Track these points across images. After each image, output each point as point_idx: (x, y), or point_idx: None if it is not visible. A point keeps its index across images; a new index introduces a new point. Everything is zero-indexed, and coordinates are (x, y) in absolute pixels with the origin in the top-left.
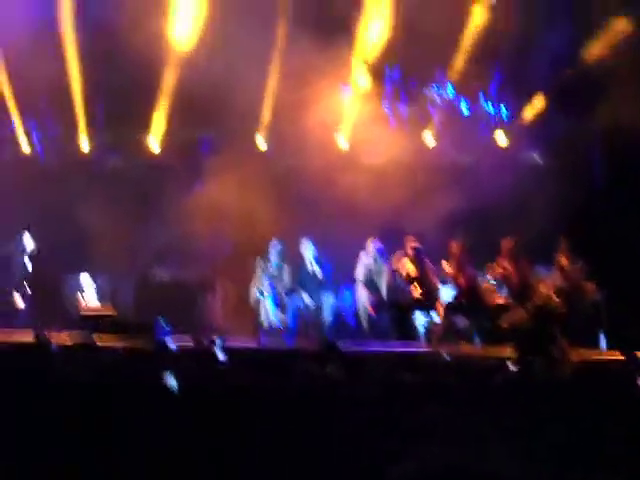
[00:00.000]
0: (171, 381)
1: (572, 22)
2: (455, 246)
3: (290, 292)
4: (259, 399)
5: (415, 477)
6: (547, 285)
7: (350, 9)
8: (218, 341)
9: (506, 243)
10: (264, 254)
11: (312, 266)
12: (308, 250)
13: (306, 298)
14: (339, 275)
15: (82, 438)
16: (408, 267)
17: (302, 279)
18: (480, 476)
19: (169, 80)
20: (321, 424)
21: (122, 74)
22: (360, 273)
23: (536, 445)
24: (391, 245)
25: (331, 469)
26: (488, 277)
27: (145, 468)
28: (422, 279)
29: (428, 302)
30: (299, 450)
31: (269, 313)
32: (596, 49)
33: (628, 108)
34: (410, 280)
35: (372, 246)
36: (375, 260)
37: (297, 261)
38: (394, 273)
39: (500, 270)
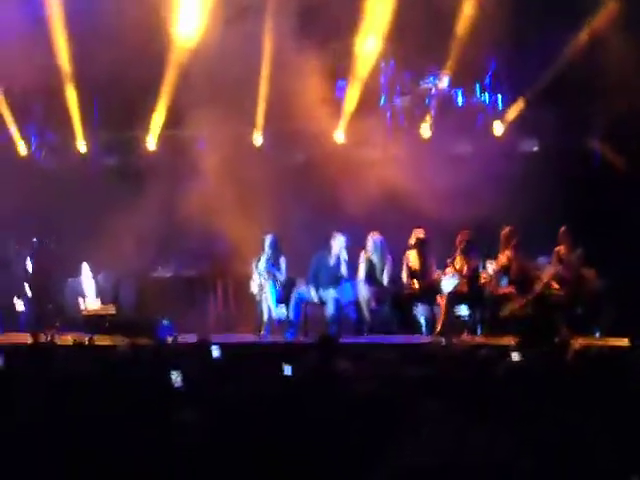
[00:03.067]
0: (175, 378)
1: (565, 12)
2: (461, 236)
3: (289, 285)
4: (260, 395)
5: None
6: (548, 274)
7: (346, 5)
8: (214, 341)
9: (504, 232)
10: (261, 249)
11: (339, 260)
12: (339, 244)
13: (311, 291)
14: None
15: (84, 437)
16: (411, 259)
17: (319, 271)
18: (483, 469)
19: (165, 78)
20: (323, 419)
21: (116, 72)
22: (362, 268)
23: (541, 435)
24: (390, 237)
25: (332, 464)
26: (489, 267)
27: (144, 466)
28: (424, 271)
29: (429, 294)
30: (299, 445)
31: (271, 307)
32: (587, 35)
33: (622, 94)
34: (412, 272)
35: (372, 239)
36: (377, 252)
37: (316, 253)
38: (396, 265)
39: (502, 260)
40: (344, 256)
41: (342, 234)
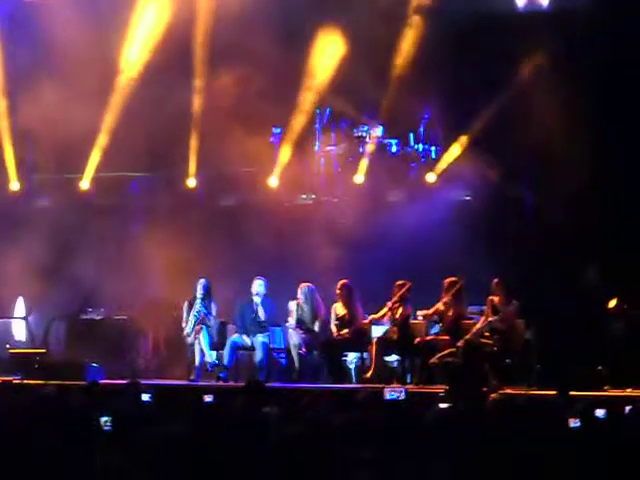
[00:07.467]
0: (104, 422)
1: (494, 63)
2: (400, 284)
3: (221, 329)
4: (189, 438)
5: None
6: (480, 323)
7: (283, 53)
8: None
9: (447, 280)
10: (193, 293)
11: (257, 306)
12: (259, 289)
13: (244, 337)
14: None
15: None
16: (338, 309)
17: (244, 318)
18: None
19: (103, 120)
20: (250, 462)
21: (52, 113)
22: (293, 314)
23: None
24: (320, 283)
25: None
26: (419, 315)
27: None
28: (351, 318)
29: (359, 341)
30: None
31: (204, 352)
32: (516, 85)
33: (553, 144)
34: (340, 321)
35: (301, 288)
36: (307, 300)
37: (242, 299)
38: (327, 313)
39: (439, 307)
40: (257, 300)
41: (261, 278)
